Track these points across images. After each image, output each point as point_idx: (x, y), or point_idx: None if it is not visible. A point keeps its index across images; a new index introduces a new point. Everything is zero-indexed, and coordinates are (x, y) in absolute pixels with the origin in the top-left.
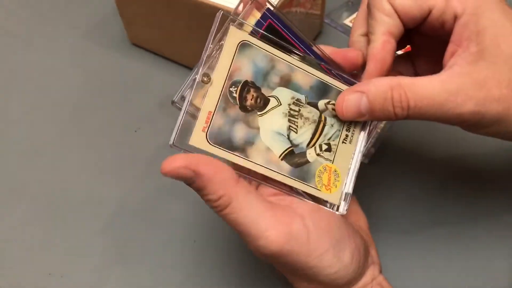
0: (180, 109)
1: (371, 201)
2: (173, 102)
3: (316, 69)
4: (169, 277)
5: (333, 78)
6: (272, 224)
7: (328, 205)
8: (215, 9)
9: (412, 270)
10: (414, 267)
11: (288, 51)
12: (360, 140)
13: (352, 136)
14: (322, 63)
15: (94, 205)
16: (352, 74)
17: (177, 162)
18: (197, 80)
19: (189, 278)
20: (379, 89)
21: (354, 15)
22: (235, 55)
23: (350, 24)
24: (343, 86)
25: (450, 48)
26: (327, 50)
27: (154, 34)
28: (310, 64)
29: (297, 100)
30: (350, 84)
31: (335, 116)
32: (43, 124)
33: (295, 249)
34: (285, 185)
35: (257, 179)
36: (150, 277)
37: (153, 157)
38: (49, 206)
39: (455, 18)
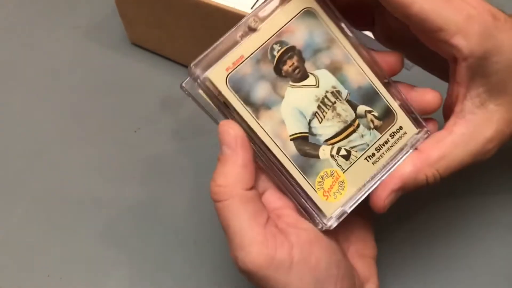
0: (189, 95)
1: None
2: (181, 87)
3: (374, 73)
4: (169, 278)
5: (387, 91)
6: (259, 242)
7: (317, 213)
8: (215, 9)
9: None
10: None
11: (353, 41)
12: (387, 169)
13: (379, 158)
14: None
15: (93, 206)
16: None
17: (235, 127)
18: (245, 21)
19: (189, 280)
20: (411, 177)
21: None
22: (294, 17)
23: None
24: (394, 103)
25: (455, 88)
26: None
27: (155, 34)
28: (370, 65)
29: (337, 91)
30: (409, 112)
31: (370, 129)
32: (42, 124)
33: (273, 276)
34: (284, 176)
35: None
36: (150, 279)
37: (153, 158)
38: (47, 207)
39: (461, 58)
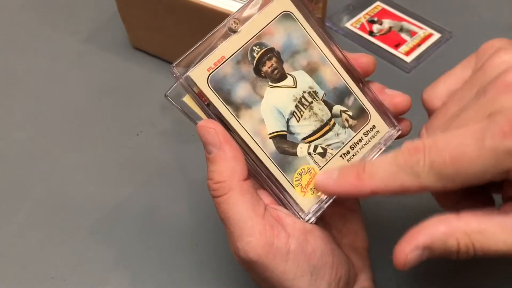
0: (173, 104)
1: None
2: (166, 96)
3: (348, 74)
4: (171, 281)
5: (360, 91)
6: (258, 231)
7: (296, 208)
8: (217, 13)
9: None
10: None
11: (329, 43)
12: None
13: (354, 156)
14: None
15: (96, 208)
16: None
17: (213, 125)
18: (226, 23)
19: (191, 282)
20: (442, 239)
21: (354, 19)
22: (273, 20)
23: (351, 28)
24: (367, 103)
25: None
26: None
27: (156, 38)
28: (345, 67)
29: (314, 92)
30: (381, 111)
31: (345, 128)
32: (45, 129)
33: (272, 264)
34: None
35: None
36: (152, 281)
37: (155, 161)
38: (51, 209)
39: None
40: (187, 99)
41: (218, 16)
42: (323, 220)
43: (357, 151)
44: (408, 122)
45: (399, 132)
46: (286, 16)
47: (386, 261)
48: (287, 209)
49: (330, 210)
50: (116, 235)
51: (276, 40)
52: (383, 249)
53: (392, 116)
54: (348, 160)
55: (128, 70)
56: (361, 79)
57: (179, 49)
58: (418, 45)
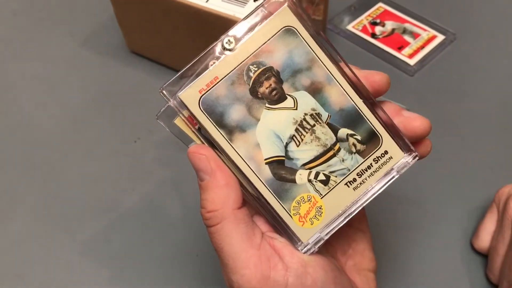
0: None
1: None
2: (156, 118)
3: (358, 94)
4: None
5: (371, 113)
6: (253, 263)
7: (293, 238)
8: (214, 17)
9: None
10: None
11: (336, 60)
12: (369, 195)
13: (361, 184)
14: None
15: (93, 217)
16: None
17: (204, 151)
18: (220, 41)
19: None
20: None
21: (356, 21)
22: (273, 36)
23: (353, 30)
24: (379, 126)
25: None
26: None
27: (153, 42)
28: (354, 86)
29: (317, 114)
30: (396, 135)
31: (352, 153)
32: (41, 134)
33: None
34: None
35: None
36: None
37: (153, 168)
38: (46, 218)
39: None
40: (179, 122)
41: (214, 20)
42: (326, 242)
43: (365, 179)
44: (428, 142)
45: (416, 159)
46: (288, 31)
47: (393, 282)
48: (285, 238)
49: (335, 232)
50: (114, 244)
51: (276, 59)
52: (389, 269)
53: (408, 140)
54: (354, 189)
55: (125, 75)
56: (372, 99)
57: (176, 52)
58: (422, 47)
